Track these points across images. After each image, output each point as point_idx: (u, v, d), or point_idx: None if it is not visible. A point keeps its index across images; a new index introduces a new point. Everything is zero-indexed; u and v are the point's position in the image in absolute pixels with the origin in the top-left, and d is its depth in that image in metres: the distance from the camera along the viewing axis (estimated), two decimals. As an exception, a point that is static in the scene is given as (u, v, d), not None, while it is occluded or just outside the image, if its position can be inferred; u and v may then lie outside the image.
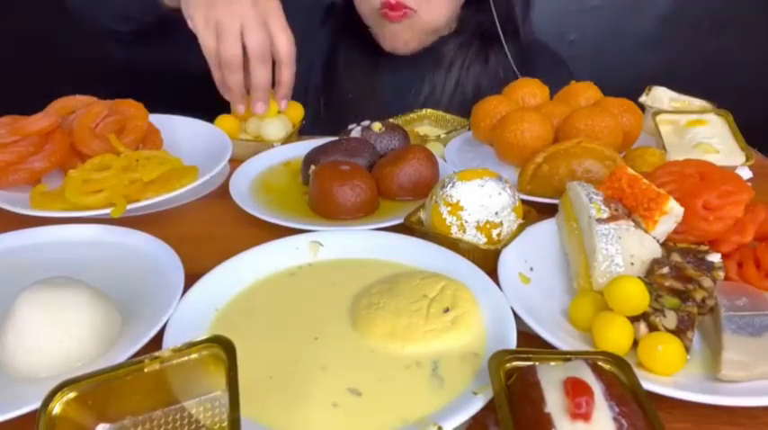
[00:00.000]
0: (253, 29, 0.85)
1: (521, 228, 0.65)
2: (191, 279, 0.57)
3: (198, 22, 0.88)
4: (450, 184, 0.64)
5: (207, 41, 0.88)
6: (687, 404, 0.45)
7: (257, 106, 0.91)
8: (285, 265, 0.62)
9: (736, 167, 0.81)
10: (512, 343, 0.49)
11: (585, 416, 0.37)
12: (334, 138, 0.83)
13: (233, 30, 0.85)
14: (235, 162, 0.83)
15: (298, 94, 0.98)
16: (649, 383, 0.45)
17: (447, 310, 0.53)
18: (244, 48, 0.86)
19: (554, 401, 0.38)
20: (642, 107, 0.94)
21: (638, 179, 0.62)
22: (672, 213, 0.59)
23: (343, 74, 1.19)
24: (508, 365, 0.43)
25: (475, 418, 0.44)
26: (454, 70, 1.16)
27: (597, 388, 0.39)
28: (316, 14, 1.23)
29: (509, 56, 1.15)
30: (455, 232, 0.63)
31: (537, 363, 0.43)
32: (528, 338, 0.51)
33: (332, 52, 1.21)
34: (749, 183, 0.63)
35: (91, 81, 1.00)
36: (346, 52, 1.20)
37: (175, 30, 0.97)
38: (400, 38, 1.11)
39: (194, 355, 0.41)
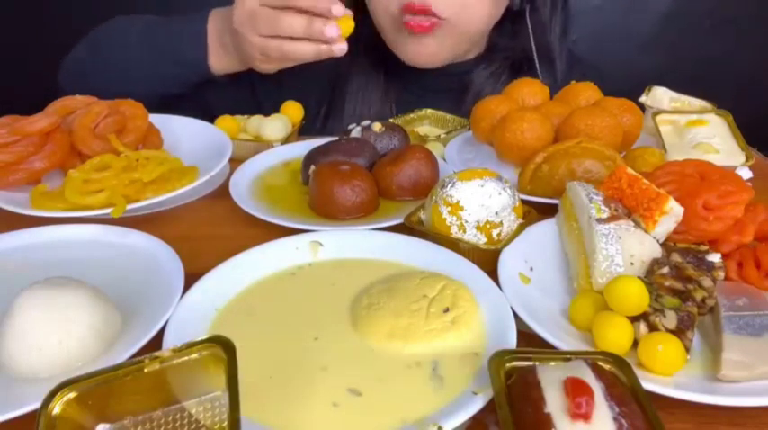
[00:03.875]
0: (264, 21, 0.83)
1: (521, 228, 0.65)
2: (191, 279, 0.57)
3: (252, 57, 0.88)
4: (450, 184, 0.64)
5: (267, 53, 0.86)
6: (687, 404, 0.45)
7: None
8: (285, 265, 0.62)
9: (736, 167, 0.81)
10: (512, 343, 0.49)
11: (585, 416, 0.37)
12: (334, 139, 0.83)
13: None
14: (235, 162, 0.83)
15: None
16: (649, 383, 0.45)
17: (447, 310, 0.53)
18: None
19: (554, 401, 0.38)
20: (642, 107, 0.94)
21: (638, 179, 0.62)
22: (672, 213, 0.59)
23: (355, 100, 1.07)
24: (508, 365, 0.43)
25: (475, 418, 0.44)
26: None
27: (597, 388, 0.39)
28: None
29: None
30: (455, 232, 0.63)
31: (537, 363, 0.43)
32: (528, 338, 0.51)
33: (337, 75, 1.09)
34: (749, 183, 0.63)
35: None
36: (357, 75, 1.08)
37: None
38: (426, 50, 0.98)
39: (194, 355, 0.41)
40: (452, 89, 1.07)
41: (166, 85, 1.00)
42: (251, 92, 1.09)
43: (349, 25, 0.83)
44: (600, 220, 0.58)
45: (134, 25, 1.02)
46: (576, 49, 1.18)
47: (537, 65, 1.05)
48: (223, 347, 0.41)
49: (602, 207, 0.60)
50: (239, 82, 1.01)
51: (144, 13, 1.05)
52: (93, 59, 1.03)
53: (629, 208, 0.61)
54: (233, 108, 0.97)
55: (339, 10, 0.80)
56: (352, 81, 1.08)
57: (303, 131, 1.01)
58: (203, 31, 0.95)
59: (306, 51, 0.84)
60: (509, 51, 1.09)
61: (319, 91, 1.09)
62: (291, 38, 0.83)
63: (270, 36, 0.84)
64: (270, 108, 0.98)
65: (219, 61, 0.96)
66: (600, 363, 0.43)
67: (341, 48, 0.82)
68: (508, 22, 1.06)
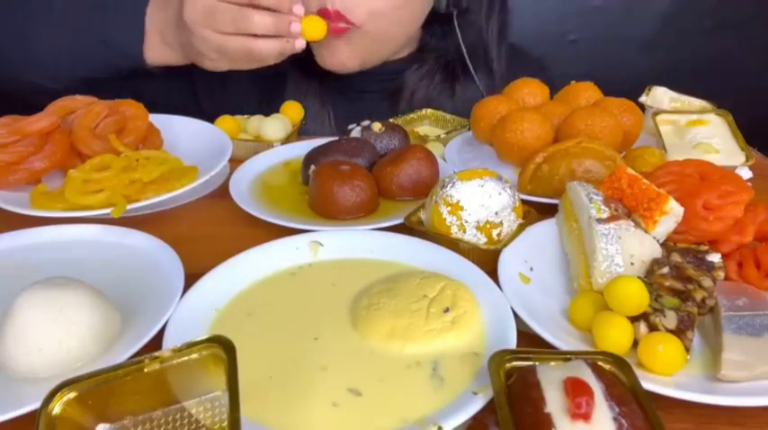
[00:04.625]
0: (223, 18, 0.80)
1: (521, 228, 0.65)
2: (191, 279, 0.57)
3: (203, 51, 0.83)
4: (450, 184, 0.64)
5: (219, 49, 0.82)
6: (687, 404, 0.45)
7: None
8: (285, 265, 0.62)
9: (736, 167, 0.81)
10: (512, 343, 0.49)
11: (585, 416, 0.37)
12: (334, 139, 0.83)
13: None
14: (235, 162, 0.83)
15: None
16: (649, 383, 0.45)
17: (447, 310, 0.53)
18: None
19: (554, 401, 0.38)
20: (642, 107, 0.94)
21: (638, 179, 0.62)
22: (672, 213, 0.59)
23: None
24: (508, 365, 0.43)
25: (475, 418, 0.44)
26: (415, 105, 1.04)
27: (597, 388, 0.39)
28: None
29: (480, 89, 1.04)
30: (455, 232, 0.63)
31: (537, 363, 0.43)
32: (528, 338, 0.51)
33: (274, 82, 1.05)
34: (749, 183, 0.63)
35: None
36: (292, 84, 1.06)
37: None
38: (337, 55, 0.96)
39: (194, 355, 0.41)
40: (386, 90, 1.06)
41: (90, 68, 0.93)
42: (188, 86, 1.05)
43: (320, 27, 0.84)
44: (600, 220, 0.58)
45: None
46: (520, 42, 1.14)
47: (470, 66, 1.04)
48: (223, 347, 0.41)
49: (602, 207, 0.60)
50: (176, 75, 0.95)
51: None
52: (4, 24, 0.94)
53: (629, 208, 0.62)
54: (167, 100, 0.93)
55: (300, 9, 0.81)
56: (288, 88, 1.06)
57: (303, 131, 1.00)
58: (141, 17, 0.88)
59: (272, 49, 0.82)
60: (441, 51, 1.07)
61: (259, 93, 1.06)
62: (255, 36, 0.81)
63: (231, 34, 0.81)
64: (208, 105, 0.95)
65: (156, 54, 0.91)
66: (600, 363, 0.43)
67: (301, 43, 0.83)
68: (437, 24, 1.04)
